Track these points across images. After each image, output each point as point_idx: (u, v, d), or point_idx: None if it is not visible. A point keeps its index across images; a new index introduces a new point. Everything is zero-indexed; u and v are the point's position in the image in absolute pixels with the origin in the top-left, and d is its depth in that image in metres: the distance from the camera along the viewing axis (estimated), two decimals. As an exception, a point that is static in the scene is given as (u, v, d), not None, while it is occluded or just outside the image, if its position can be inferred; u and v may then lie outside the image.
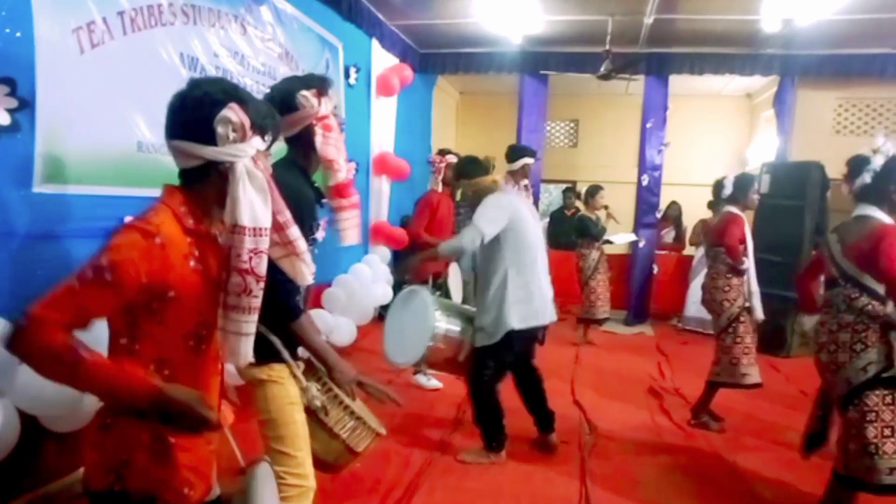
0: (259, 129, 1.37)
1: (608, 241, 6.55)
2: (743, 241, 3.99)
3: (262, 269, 1.38)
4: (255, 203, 1.34)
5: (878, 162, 2.69)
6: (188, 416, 1.27)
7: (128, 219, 3.01)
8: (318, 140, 2.05)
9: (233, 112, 1.31)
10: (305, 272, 1.58)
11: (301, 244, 1.54)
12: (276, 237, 1.47)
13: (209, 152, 1.32)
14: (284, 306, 1.91)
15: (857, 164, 2.76)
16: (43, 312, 1.19)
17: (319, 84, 2.07)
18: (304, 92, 2.01)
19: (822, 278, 2.94)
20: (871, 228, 2.65)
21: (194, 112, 1.32)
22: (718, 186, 4.23)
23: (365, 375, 2.08)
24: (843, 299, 2.73)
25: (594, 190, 6.46)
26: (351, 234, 2.31)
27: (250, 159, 1.35)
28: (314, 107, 2.02)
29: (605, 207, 6.52)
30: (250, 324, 1.40)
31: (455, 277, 4.84)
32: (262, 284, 1.39)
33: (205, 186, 1.37)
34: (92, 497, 1.35)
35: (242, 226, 1.33)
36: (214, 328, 1.40)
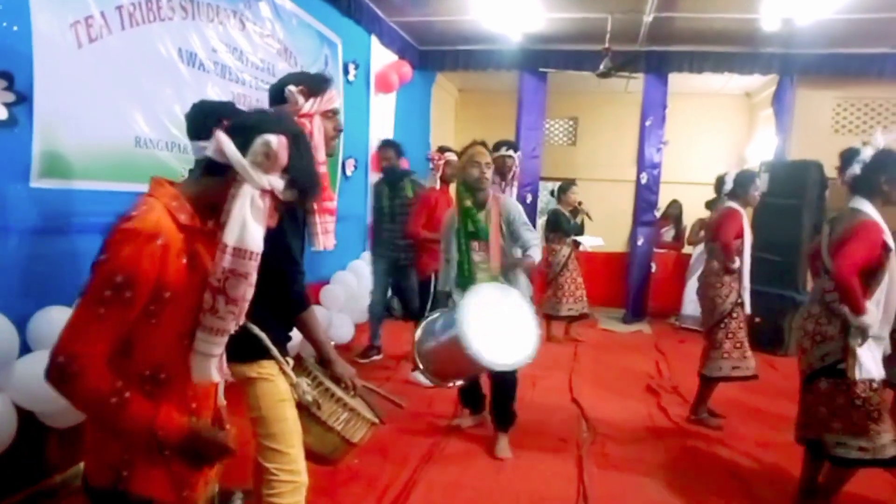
0: (290, 179, 1.32)
1: (577, 242, 6.50)
2: (740, 236, 3.99)
3: (236, 293, 1.30)
4: (248, 225, 1.28)
5: (867, 153, 2.76)
6: (212, 452, 1.32)
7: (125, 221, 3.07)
8: None
9: (277, 141, 1.27)
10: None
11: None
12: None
13: (235, 157, 1.26)
14: (295, 296, 1.96)
15: (848, 156, 2.84)
16: (82, 349, 1.17)
17: (309, 82, 2.06)
18: (291, 87, 2.01)
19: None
20: (851, 224, 2.72)
21: (253, 123, 1.31)
22: (720, 182, 4.26)
23: (363, 381, 2.13)
24: (819, 291, 2.86)
25: (566, 186, 6.44)
26: (322, 239, 2.23)
27: (258, 192, 1.28)
28: (297, 103, 2.02)
29: (579, 204, 6.48)
30: (214, 346, 1.33)
31: None
32: (231, 308, 1.31)
33: (211, 181, 1.32)
34: (91, 494, 1.34)
35: (225, 243, 1.27)
36: None
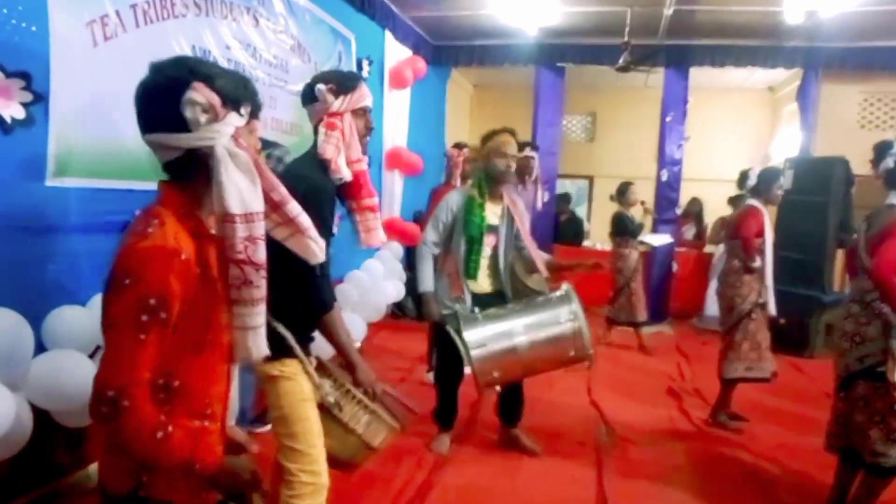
0: (233, 103, 1.26)
1: (642, 243, 6.35)
2: (760, 235, 3.89)
3: (260, 256, 1.28)
4: (241, 186, 1.24)
5: None
6: (244, 487, 1.33)
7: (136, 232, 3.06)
8: (320, 137, 2.04)
9: (197, 92, 1.20)
10: (315, 248, 1.49)
11: (304, 219, 1.43)
12: (276, 217, 1.39)
13: (183, 140, 1.22)
14: (316, 299, 1.94)
15: (881, 149, 2.76)
16: (131, 378, 1.14)
17: (338, 80, 2.06)
18: (320, 85, 2.01)
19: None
20: (889, 221, 2.62)
21: (159, 100, 1.22)
22: (743, 177, 4.17)
23: (383, 385, 2.10)
24: (858, 290, 2.77)
25: (625, 187, 6.25)
26: (368, 236, 2.25)
27: (230, 139, 1.24)
28: (325, 101, 2.02)
29: (641, 203, 6.34)
30: (257, 316, 1.33)
31: None
32: (262, 273, 1.30)
33: (192, 178, 1.27)
34: (110, 500, 1.31)
35: (232, 214, 1.23)
36: (219, 331, 1.33)
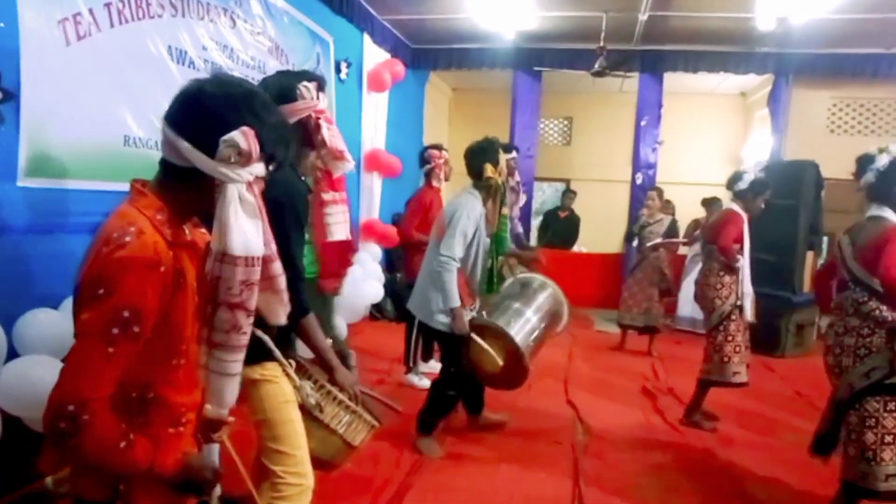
0: (267, 155, 1.22)
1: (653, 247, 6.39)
2: (739, 241, 3.95)
3: (253, 303, 1.25)
4: (246, 230, 1.20)
5: (882, 161, 2.64)
6: (203, 483, 1.29)
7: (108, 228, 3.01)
8: (326, 133, 2.05)
9: (244, 138, 1.16)
10: (280, 312, 1.45)
11: (281, 282, 1.39)
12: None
13: (202, 162, 1.17)
14: (296, 303, 1.87)
15: (862, 163, 2.73)
16: (93, 394, 1.09)
17: (317, 78, 2.08)
18: (306, 83, 2.00)
19: (837, 280, 2.88)
20: (881, 231, 2.61)
21: (206, 117, 1.18)
22: (736, 177, 4.13)
23: (362, 386, 2.10)
24: (851, 303, 2.70)
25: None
26: (340, 228, 2.30)
27: (245, 185, 1.20)
28: (314, 99, 2.01)
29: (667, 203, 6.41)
30: (237, 363, 1.29)
31: None
32: (251, 320, 1.27)
33: (186, 190, 1.22)
34: None
35: (234, 255, 1.19)
36: (193, 341, 1.28)
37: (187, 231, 1.27)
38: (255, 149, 1.18)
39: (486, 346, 3.31)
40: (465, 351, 3.39)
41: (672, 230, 6.16)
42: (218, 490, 1.49)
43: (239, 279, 1.21)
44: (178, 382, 1.27)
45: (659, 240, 6.11)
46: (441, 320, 3.36)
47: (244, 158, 1.17)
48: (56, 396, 1.09)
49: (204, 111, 1.18)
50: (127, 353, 1.12)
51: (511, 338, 3.30)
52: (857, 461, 2.60)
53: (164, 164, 1.23)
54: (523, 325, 3.43)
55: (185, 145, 1.17)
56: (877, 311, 2.60)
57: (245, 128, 1.17)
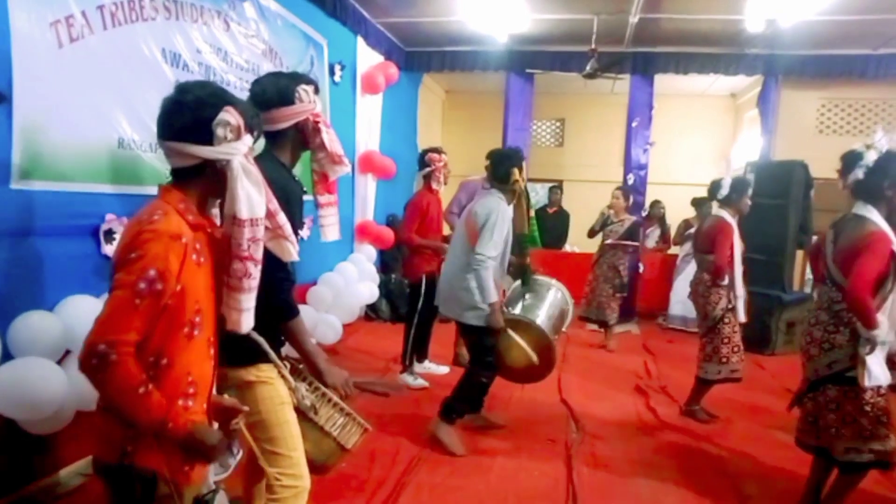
0: (249, 128, 1.48)
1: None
2: (730, 254, 4.01)
3: (260, 253, 1.54)
4: (251, 196, 1.47)
5: (870, 157, 2.62)
6: (208, 452, 1.42)
7: (111, 218, 3.01)
8: (326, 137, 2.07)
9: (230, 115, 1.42)
10: (291, 250, 1.73)
11: (288, 228, 1.69)
12: (267, 223, 1.59)
13: (207, 152, 1.42)
14: (283, 304, 1.93)
15: (849, 160, 2.71)
16: (121, 337, 1.28)
17: (313, 82, 2.09)
18: (304, 86, 2.01)
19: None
20: (860, 235, 2.60)
21: (191, 115, 1.41)
22: (716, 187, 4.20)
23: (354, 377, 2.09)
24: (826, 298, 2.77)
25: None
26: (333, 230, 2.33)
27: (243, 156, 1.46)
28: (312, 102, 2.03)
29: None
30: (250, 300, 1.56)
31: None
32: (259, 267, 1.55)
33: (199, 182, 1.47)
34: (101, 471, 1.43)
35: (242, 218, 1.46)
36: (208, 316, 1.49)
37: (208, 222, 1.52)
38: (242, 121, 1.44)
39: (520, 340, 3.55)
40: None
41: (632, 232, 6.21)
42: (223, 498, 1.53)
43: (246, 237, 1.49)
44: (190, 353, 1.44)
45: (635, 240, 6.28)
46: (473, 316, 3.47)
47: (236, 132, 1.43)
48: (90, 338, 1.28)
49: (189, 113, 1.42)
50: (150, 308, 1.32)
51: (543, 332, 3.60)
52: (825, 429, 2.77)
53: (175, 171, 1.48)
54: (547, 321, 3.70)
55: (189, 147, 1.42)
56: (843, 312, 2.66)
57: (228, 106, 1.43)
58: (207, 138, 1.41)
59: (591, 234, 6.38)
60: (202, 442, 1.39)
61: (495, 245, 3.42)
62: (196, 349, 1.46)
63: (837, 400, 2.71)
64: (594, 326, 6.52)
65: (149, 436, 1.36)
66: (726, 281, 4.02)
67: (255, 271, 1.54)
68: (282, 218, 1.66)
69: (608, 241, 6.18)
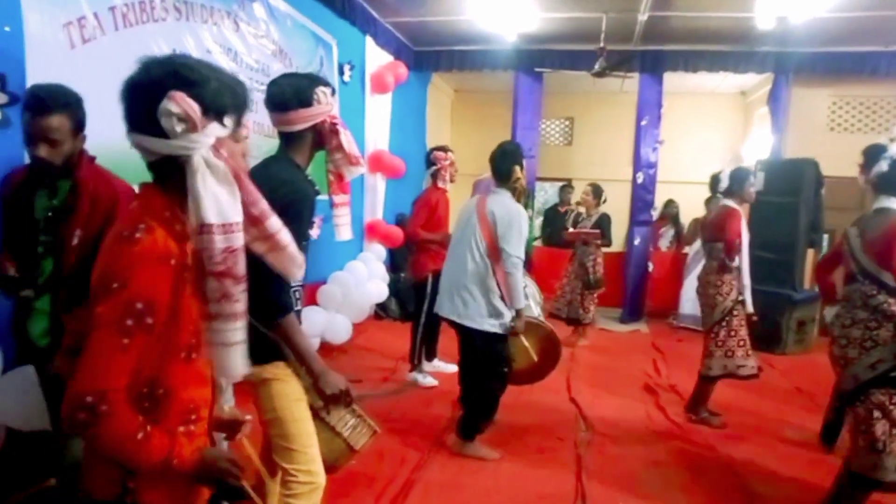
0: (216, 113, 1.20)
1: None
2: (739, 235, 3.99)
3: (240, 269, 1.22)
4: (219, 196, 1.18)
5: (894, 150, 2.63)
6: (224, 476, 1.30)
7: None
8: (344, 139, 2.07)
9: (173, 102, 1.13)
10: (292, 266, 1.40)
11: (284, 236, 1.35)
12: (255, 232, 1.30)
13: (161, 146, 1.17)
14: (272, 301, 1.83)
15: (873, 153, 2.70)
16: (110, 384, 1.12)
17: (329, 84, 2.09)
18: (321, 88, 2.01)
19: (844, 272, 2.88)
20: (891, 223, 2.59)
21: (140, 100, 1.17)
22: (715, 181, 4.24)
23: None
24: (859, 295, 2.70)
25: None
26: (347, 229, 2.34)
27: (209, 149, 1.19)
28: (329, 104, 2.03)
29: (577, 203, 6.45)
30: (237, 331, 1.26)
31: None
32: (242, 286, 1.24)
33: (174, 181, 1.22)
34: None
35: (209, 223, 1.17)
36: (202, 333, 1.29)
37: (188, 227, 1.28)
38: (195, 109, 1.16)
39: (526, 342, 3.55)
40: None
41: (601, 224, 6.17)
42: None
43: (219, 247, 1.18)
44: (188, 377, 1.29)
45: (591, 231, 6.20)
46: (497, 324, 3.34)
47: (190, 123, 1.16)
48: (75, 388, 1.11)
49: (137, 98, 1.18)
50: (141, 345, 1.15)
51: (552, 331, 3.71)
52: (865, 452, 2.59)
53: (149, 166, 1.26)
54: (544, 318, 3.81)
55: (142, 138, 1.18)
56: (885, 305, 2.61)
57: (172, 92, 1.14)
58: (161, 129, 1.15)
59: (566, 232, 6.42)
60: (214, 467, 1.28)
61: (521, 247, 3.35)
62: (195, 372, 1.30)
63: (882, 406, 2.56)
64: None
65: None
66: (737, 262, 3.98)
67: (237, 292, 1.23)
68: (274, 224, 1.32)
69: (570, 231, 6.30)
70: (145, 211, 1.21)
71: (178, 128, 1.15)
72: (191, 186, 1.17)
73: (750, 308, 4.06)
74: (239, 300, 1.25)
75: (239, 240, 1.22)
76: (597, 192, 6.25)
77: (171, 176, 1.21)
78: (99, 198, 2.20)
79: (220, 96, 1.22)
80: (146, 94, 1.16)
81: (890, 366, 2.56)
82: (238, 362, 1.28)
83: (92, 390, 1.11)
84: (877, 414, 2.57)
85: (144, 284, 1.14)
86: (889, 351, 2.57)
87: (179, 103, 1.14)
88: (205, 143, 1.18)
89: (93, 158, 2.32)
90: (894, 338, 2.57)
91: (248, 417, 1.50)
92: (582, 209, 6.32)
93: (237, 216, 1.21)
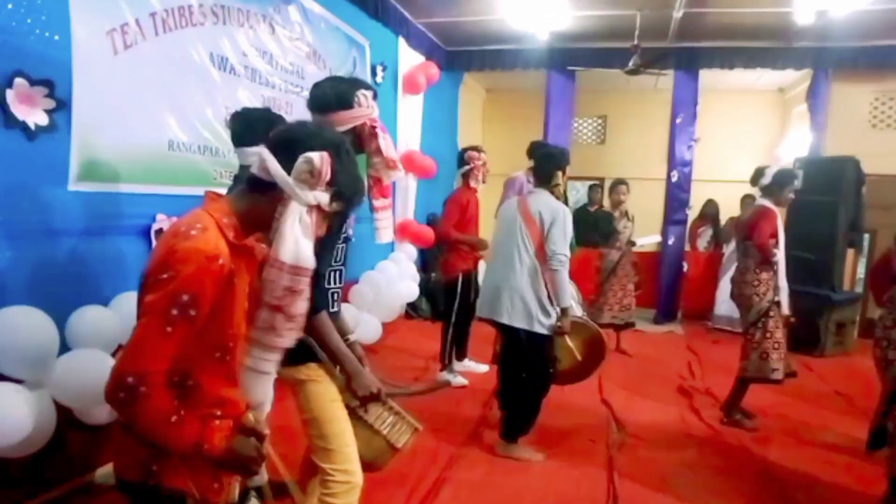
0: (335, 190, 1.35)
1: (632, 243, 6.25)
2: (774, 236, 3.90)
3: (296, 310, 1.35)
4: (300, 242, 1.32)
5: None
6: (250, 464, 1.37)
7: (162, 218, 3.13)
8: (383, 143, 2.07)
9: (319, 159, 1.30)
10: (285, 340, 1.46)
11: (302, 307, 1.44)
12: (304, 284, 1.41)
13: (281, 176, 1.30)
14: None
15: None
16: (151, 367, 1.20)
17: (371, 87, 2.10)
18: (363, 91, 2.02)
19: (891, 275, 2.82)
20: None
21: (297, 141, 1.32)
22: (758, 174, 4.11)
23: (385, 385, 2.06)
24: None
25: (615, 184, 6.21)
26: (388, 232, 2.38)
27: (306, 209, 1.32)
28: (370, 107, 2.04)
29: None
30: (269, 363, 1.37)
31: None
32: (291, 325, 1.37)
33: (261, 203, 1.34)
34: (125, 488, 1.37)
35: (282, 261, 1.31)
36: (240, 339, 1.38)
37: (249, 240, 1.38)
38: (327, 173, 1.31)
39: (570, 343, 3.51)
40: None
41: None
42: (264, 476, 1.55)
43: (283, 284, 1.32)
44: (219, 376, 1.35)
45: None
46: (544, 323, 3.34)
47: (314, 179, 1.30)
48: (118, 369, 1.20)
49: (297, 138, 1.33)
50: (182, 335, 1.22)
51: (596, 330, 3.64)
52: None
53: (251, 178, 1.36)
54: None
55: (272, 160, 1.31)
56: None
57: (325, 153, 1.31)
58: (290, 165, 1.30)
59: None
60: (242, 455, 1.36)
61: (566, 242, 3.35)
62: (227, 372, 1.37)
63: None
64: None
65: (173, 456, 1.30)
66: (775, 257, 3.90)
67: (285, 328, 1.36)
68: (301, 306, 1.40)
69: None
70: (205, 214, 1.31)
71: (304, 175, 1.30)
72: (281, 224, 1.31)
73: (786, 309, 3.97)
74: (283, 336, 1.37)
75: (303, 284, 1.34)
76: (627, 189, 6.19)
77: (261, 195, 1.34)
78: None
79: (348, 184, 1.38)
80: (307, 141, 1.32)
81: None
82: (262, 391, 1.38)
83: (133, 371, 1.19)
84: None
85: (192, 278, 1.21)
86: None
87: (323, 163, 1.30)
88: (305, 200, 1.31)
89: None
90: None
91: (267, 431, 1.50)
92: (625, 207, 6.21)
93: (309, 263, 1.34)
